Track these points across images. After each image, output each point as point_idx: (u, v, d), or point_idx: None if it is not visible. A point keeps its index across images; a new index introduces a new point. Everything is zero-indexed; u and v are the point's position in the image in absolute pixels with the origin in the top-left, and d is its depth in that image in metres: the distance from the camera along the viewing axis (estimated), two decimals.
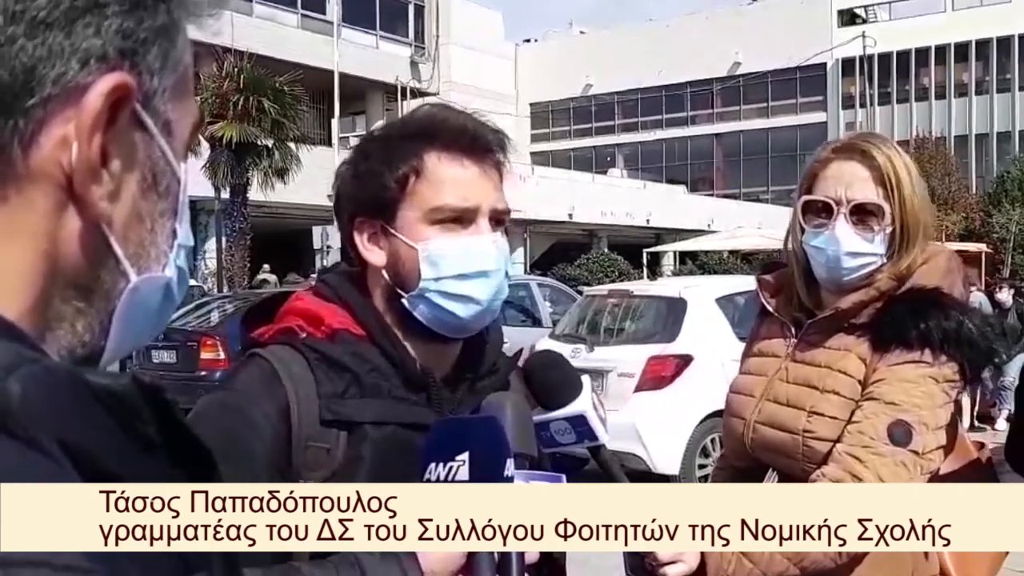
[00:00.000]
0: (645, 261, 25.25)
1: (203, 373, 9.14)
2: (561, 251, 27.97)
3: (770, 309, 1.81)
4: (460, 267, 1.17)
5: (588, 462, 1.36)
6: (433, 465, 1.00)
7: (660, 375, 6.66)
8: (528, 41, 49.58)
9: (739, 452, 1.76)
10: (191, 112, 0.56)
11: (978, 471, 1.75)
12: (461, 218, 1.18)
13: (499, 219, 1.21)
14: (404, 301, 1.20)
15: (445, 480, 1.00)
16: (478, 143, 1.20)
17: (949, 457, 1.64)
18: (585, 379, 1.29)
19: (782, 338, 1.76)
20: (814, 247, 1.68)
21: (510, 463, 1.02)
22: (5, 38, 0.45)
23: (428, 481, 1.01)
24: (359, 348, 1.18)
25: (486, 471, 1.00)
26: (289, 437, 1.12)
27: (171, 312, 0.58)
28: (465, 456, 0.99)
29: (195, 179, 16.73)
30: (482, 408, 1.14)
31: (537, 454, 1.14)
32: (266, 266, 18.00)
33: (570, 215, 28.29)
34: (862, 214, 1.64)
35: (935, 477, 1.58)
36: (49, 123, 0.47)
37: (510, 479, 1.03)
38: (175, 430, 0.48)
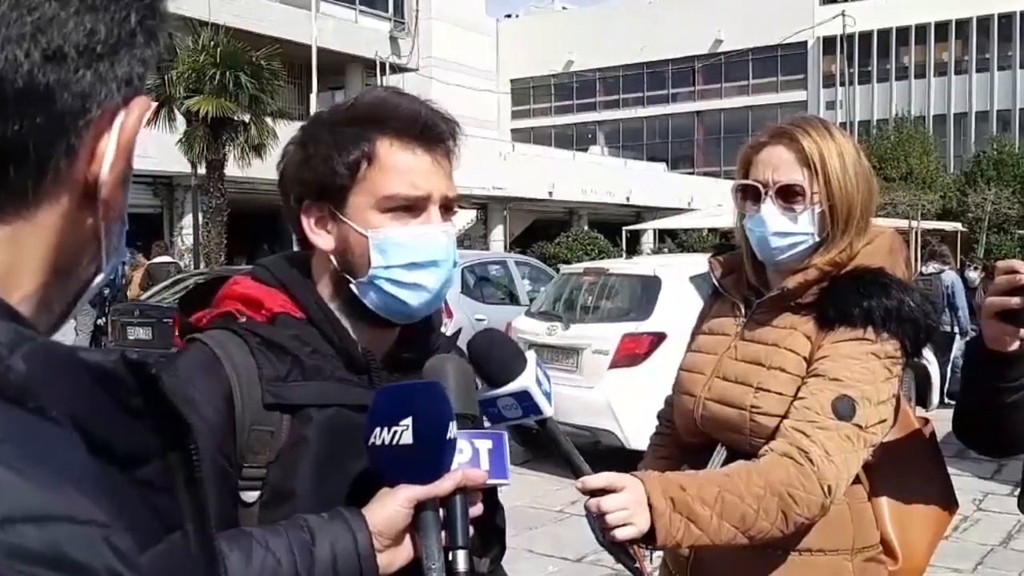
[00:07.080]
0: (624, 239, 25.25)
1: (178, 349, 9.09)
2: (541, 229, 27.92)
3: (720, 289, 1.86)
4: (411, 256, 1.17)
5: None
6: (378, 430, 1.03)
7: (634, 352, 6.70)
8: (510, 16, 49.30)
9: (689, 429, 1.80)
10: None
11: (920, 444, 1.81)
12: (412, 207, 1.17)
13: (449, 206, 1.21)
14: (352, 287, 1.19)
15: (390, 444, 1.02)
16: (431, 131, 1.18)
17: (893, 430, 1.69)
18: (530, 354, 1.30)
19: (732, 317, 1.80)
20: (748, 228, 1.73)
21: (453, 425, 1.05)
22: (75, 67, 0.51)
23: (373, 445, 1.04)
24: (300, 331, 1.18)
25: (430, 434, 1.03)
26: (233, 420, 1.12)
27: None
28: (408, 421, 1.02)
29: (171, 154, 16.61)
30: (424, 372, 1.14)
31: (479, 412, 1.16)
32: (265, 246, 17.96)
33: (550, 193, 28.17)
34: (787, 195, 1.68)
35: (879, 448, 1.63)
36: (88, 140, 0.53)
37: (453, 440, 1.06)
38: (158, 402, 0.53)
